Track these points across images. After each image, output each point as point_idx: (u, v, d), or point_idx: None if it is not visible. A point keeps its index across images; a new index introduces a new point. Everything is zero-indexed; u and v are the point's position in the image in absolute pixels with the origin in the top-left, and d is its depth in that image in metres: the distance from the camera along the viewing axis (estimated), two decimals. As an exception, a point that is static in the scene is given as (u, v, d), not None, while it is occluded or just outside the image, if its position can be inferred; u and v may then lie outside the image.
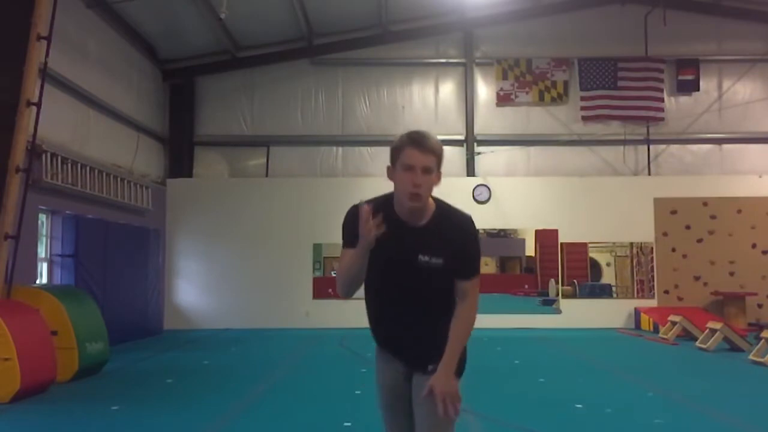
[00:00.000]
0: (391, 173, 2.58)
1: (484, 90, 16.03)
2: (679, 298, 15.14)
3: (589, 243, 15.97)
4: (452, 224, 2.60)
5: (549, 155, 15.76)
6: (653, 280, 15.38)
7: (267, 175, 15.81)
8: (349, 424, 6.00)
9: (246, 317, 14.82)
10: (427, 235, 2.56)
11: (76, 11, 11.49)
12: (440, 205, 2.62)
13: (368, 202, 2.57)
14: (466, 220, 2.63)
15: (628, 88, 15.79)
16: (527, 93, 15.85)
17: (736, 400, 7.26)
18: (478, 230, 2.65)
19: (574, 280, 15.94)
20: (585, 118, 15.83)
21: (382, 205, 2.58)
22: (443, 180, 2.65)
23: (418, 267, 2.56)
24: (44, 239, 10.98)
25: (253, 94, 16.00)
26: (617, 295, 15.89)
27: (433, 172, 2.51)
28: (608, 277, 16.30)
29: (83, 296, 9.23)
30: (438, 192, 2.63)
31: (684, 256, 15.25)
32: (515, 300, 18.51)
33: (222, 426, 6.18)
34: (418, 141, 2.50)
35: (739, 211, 15.25)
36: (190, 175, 15.72)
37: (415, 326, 2.67)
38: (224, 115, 15.91)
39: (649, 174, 15.74)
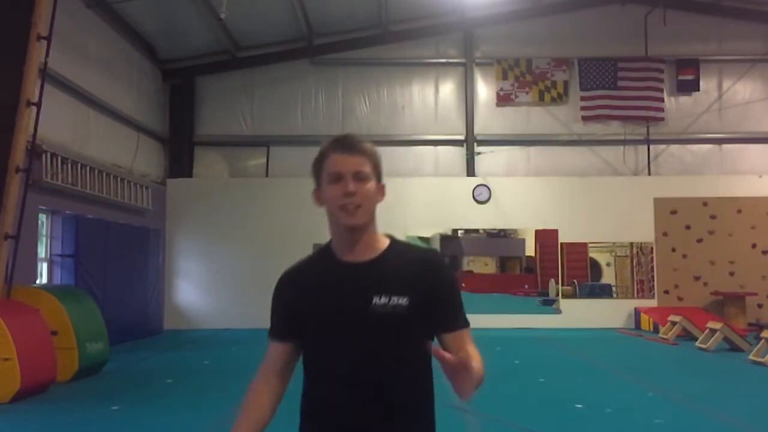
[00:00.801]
0: (318, 196, 1.94)
1: (484, 90, 16.03)
2: (679, 298, 15.13)
3: (589, 243, 15.96)
4: (415, 255, 1.90)
5: (549, 155, 15.76)
6: (653, 280, 15.37)
7: (267, 175, 15.81)
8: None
9: (246, 317, 14.78)
10: (381, 269, 1.83)
11: (76, 11, 11.49)
12: (396, 240, 1.94)
13: (297, 263, 1.99)
14: (434, 252, 1.95)
15: (628, 88, 15.78)
16: (527, 93, 15.85)
17: (736, 400, 7.26)
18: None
19: (574, 280, 15.93)
20: (585, 118, 15.82)
21: (314, 256, 1.97)
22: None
23: (374, 318, 1.78)
24: (44, 239, 10.98)
25: (253, 94, 16.00)
26: (617, 295, 15.89)
27: (369, 179, 1.86)
28: (608, 277, 16.30)
29: (83, 296, 9.24)
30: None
31: (684, 256, 15.25)
32: (515, 300, 18.50)
33: (222, 426, 6.15)
34: (341, 143, 1.94)
35: (739, 211, 15.25)
36: (190, 175, 15.73)
37: (377, 422, 1.80)
38: (224, 115, 15.91)
39: (649, 174, 15.73)
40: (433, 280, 1.84)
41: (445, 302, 1.86)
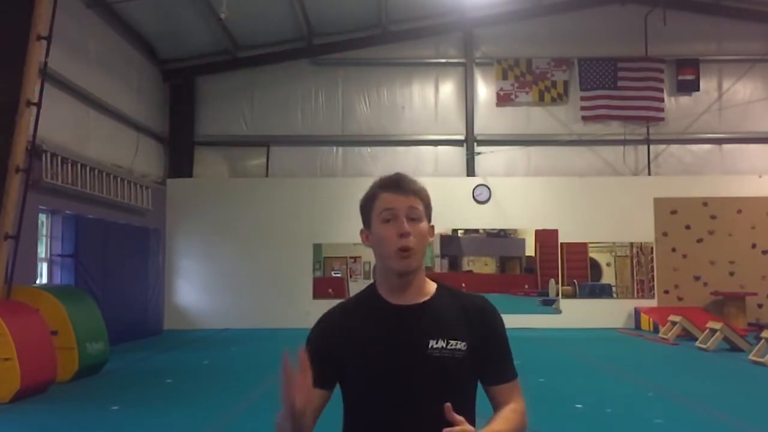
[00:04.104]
0: (367, 237, 1.83)
1: (484, 90, 16.03)
2: (679, 298, 15.13)
3: (589, 243, 15.96)
4: (467, 301, 1.82)
5: (549, 155, 15.76)
6: (653, 280, 15.37)
7: (267, 175, 15.82)
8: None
9: (246, 317, 14.81)
10: (434, 312, 1.77)
11: (76, 11, 11.49)
12: (442, 284, 1.87)
13: (340, 305, 1.87)
14: (484, 298, 1.86)
15: (628, 88, 15.78)
16: (527, 93, 15.85)
17: (736, 400, 7.26)
18: None
19: (574, 280, 15.93)
20: (585, 118, 15.83)
21: (359, 298, 1.87)
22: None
23: (431, 362, 1.71)
24: (44, 239, 10.99)
25: (253, 94, 16.00)
26: (617, 295, 15.88)
27: (422, 220, 1.78)
28: (608, 277, 16.29)
29: (83, 296, 9.24)
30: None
31: (684, 256, 15.25)
32: (515, 300, 18.50)
33: (222, 426, 6.18)
34: (394, 182, 1.80)
35: (739, 211, 15.25)
36: (190, 175, 15.73)
37: None
38: (224, 115, 15.91)
39: (649, 174, 15.74)
40: (487, 328, 1.79)
41: (497, 353, 1.81)
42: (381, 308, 1.79)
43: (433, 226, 1.84)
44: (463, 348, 1.72)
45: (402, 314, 1.76)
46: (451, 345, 1.72)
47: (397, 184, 1.79)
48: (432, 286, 1.84)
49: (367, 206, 1.82)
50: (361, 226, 1.86)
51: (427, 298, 1.80)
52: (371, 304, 1.81)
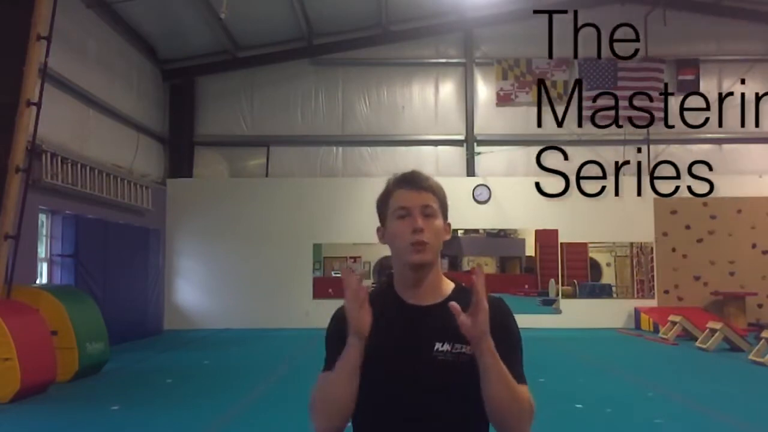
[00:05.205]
0: (383, 234, 1.85)
1: (484, 90, 16.03)
2: (679, 298, 15.13)
3: (589, 243, 15.95)
4: None
5: (549, 155, 15.72)
6: (653, 280, 15.37)
7: (267, 175, 15.81)
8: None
9: (246, 317, 14.81)
10: (445, 314, 1.72)
11: (76, 11, 11.49)
12: (461, 285, 1.88)
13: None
14: (500, 300, 1.83)
15: (628, 88, 15.76)
16: (527, 93, 15.84)
17: (736, 400, 7.27)
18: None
19: (574, 280, 15.93)
20: (585, 118, 15.78)
21: (377, 292, 1.88)
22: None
23: (435, 365, 1.73)
24: (44, 239, 10.99)
25: (253, 94, 16.00)
26: (617, 295, 15.88)
27: (437, 216, 1.80)
28: (608, 277, 16.29)
29: (83, 296, 9.24)
30: None
31: (684, 256, 15.25)
32: (515, 300, 18.49)
33: (222, 426, 6.18)
34: (409, 179, 1.83)
35: (739, 211, 15.25)
36: (190, 175, 15.73)
37: None
38: (224, 115, 15.91)
39: (649, 174, 15.70)
40: (497, 330, 1.71)
41: (505, 355, 1.73)
42: (396, 306, 1.82)
43: (449, 224, 1.87)
44: (468, 352, 1.70)
45: (414, 315, 1.79)
46: (456, 348, 1.72)
47: (412, 181, 1.82)
48: (448, 287, 1.85)
49: (382, 204, 1.85)
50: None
51: (441, 299, 1.80)
52: (387, 301, 1.83)
